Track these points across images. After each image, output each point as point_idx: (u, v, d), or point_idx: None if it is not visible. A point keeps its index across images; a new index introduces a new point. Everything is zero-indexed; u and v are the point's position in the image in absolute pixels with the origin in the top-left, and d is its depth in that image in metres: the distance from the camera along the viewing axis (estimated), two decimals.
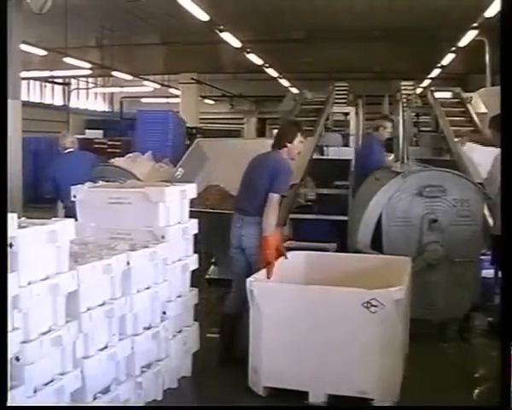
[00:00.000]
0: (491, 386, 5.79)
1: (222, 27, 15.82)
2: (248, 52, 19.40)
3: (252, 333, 5.17)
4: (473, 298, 6.89)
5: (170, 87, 27.48)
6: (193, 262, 5.75)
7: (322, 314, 4.99)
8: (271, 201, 5.73)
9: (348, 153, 10.50)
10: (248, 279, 5.18)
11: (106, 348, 4.51)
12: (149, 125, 16.36)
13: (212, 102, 31.93)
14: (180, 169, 8.80)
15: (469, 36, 16.16)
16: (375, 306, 4.80)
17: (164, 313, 5.26)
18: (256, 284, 5.15)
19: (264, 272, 5.54)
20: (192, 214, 5.79)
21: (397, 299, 4.85)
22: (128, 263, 4.67)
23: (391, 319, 4.86)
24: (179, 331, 5.54)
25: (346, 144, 10.67)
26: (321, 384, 5.00)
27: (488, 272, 7.96)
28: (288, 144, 6.03)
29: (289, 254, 5.98)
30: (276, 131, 6.91)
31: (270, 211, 5.71)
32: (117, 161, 11.35)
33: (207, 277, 8.66)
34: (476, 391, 5.66)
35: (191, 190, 5.78)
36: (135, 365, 4.84)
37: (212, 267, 8.79)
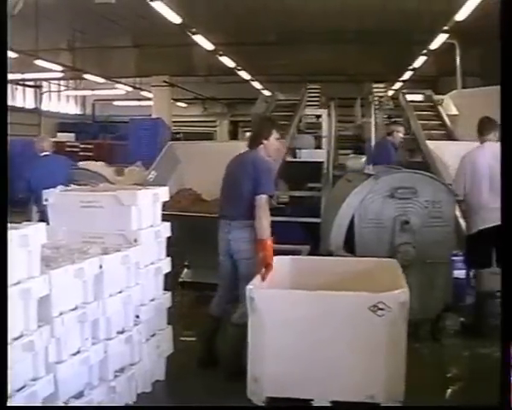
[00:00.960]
0: (463, 385, 5.85)
1: (194, 30, 15.81)
2: (221, 55, 19.40)
3: (251, 341, 4.98)
4: (445, 299, 6.94)
5: (142, 90, 27.40)
6: (166, 265, 5.72)
7: (328, 320, 4.90)
8: (260, 203, 5.59)
9: (321, 155, 10.56)
10: (248, 287, 5.02)
11: (79, 352, 4.48)
12: (140, 132, 16.49)
13: (184, 104, 31.89)
14: (153, 172, 8.77)
15: (440, 39, 16.32)
16: (382, 309, 4.78)
17: (137, 316, 5.24)
18: (257, 291, 5.02)
19: (259, 277, 5.40)
20: (164, 217, 5.77)
21: (402, 301, 4.85)
22: (100, 267, 4.65)
23: (397, 322, 4.83)
24: (152, 335, 5.51)
25: (319, 146, 10.73)
26: (326, 391, 4.91)
27: (460, 273, 8.04)
28: (264, 141, 5.92)
29: (274, 258, 5.90)
30: (249, 132, 6.85)
31: (261, 214, 5.57)
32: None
33: (180, 280, 8.64)
34: (449, 391, 5.71)
35: (163, 194, 5.76)
36: (108, 369, 4.82)
37: (186, 270, 8.77)
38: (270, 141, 5.96)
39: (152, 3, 12.65)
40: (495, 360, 6.46)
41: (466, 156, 7.16)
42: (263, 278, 5.42)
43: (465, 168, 7.10)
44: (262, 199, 5.60)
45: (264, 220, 5.58)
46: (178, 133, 22.79)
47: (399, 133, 9.71)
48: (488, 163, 6.92)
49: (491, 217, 6.80)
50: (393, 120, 10.57)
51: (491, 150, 6.87)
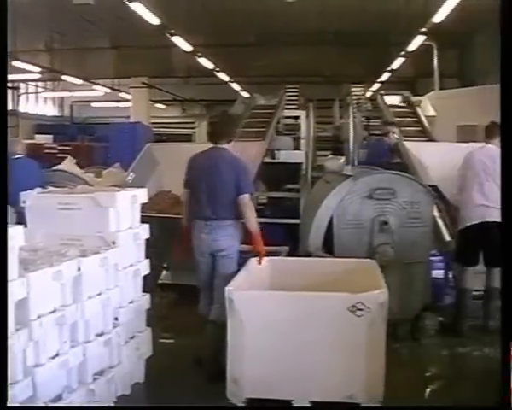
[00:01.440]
0: (442, 385, 5.89)
1: (173, 31, 15.76)
2: (199, 56, 19.36)
3: (231, 343, 5.00)
4: (424, 298, 6.98)
5: (120, 91, 27.28)
6: (144, 267, 5.71)
7: (307, 320, 4.91)
8: (245, 202, 5.71)
9: (299, 156, 10.58)
10: (227, 288, 5.03)
11: (57, 355, 4.45)
12: (122, 135, 16.48)
13: (163, 106, 31.79)
14: (131, 174, 8.74)
15: (418, 40, 16.40)
16: (361, 309, 4.80)
17: (116, 319, 5.22)
18: (236, 292, 5.02)
19: (240, 279, 5.42)
20: (143, 219, 5.75)
21: (381, 302, 4.86)
22: (79, 269, 4.63)
23: (376, 322, 4.85)
24: (132, 337, 5.50)
25: (297, 148, 10.75)
26: (306, 392, 4.93)
27: (438, 273, 8.10)
28: (233, 139, 6.07)
29: (253, 259, 5.90)
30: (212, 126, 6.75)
31: (248, 212, 5.74)
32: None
33: (159, 282, 8.61)
34: (428, 390, 5.74)
35: (142, 195, 5.75)
36: (87, 372, 4.80)
37: (165, 272, 8.75)
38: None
39: (130, 4, 12.59)
40: (474, 359, 6.54)
41: (466, 155, 7.29)
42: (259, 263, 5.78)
43: (462, 166, 7.26)
44: (246, 198, 5.73)
45: (252, 216, 5.77)
46: (163, 135, 22.74)
47: (395, 134, 9.77)
48: (483, 163, 7.06)
49: (476, 214, 6.94)
50: (391, 121, 10.64)
51: (490, 152, 7.04)
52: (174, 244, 5.96)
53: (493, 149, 7.01)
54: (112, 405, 5.03)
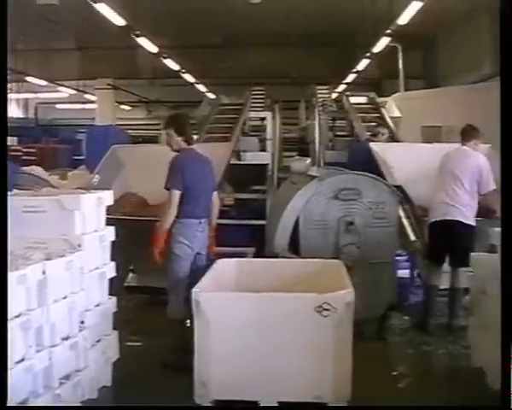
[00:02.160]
0: (409, 383, 5.94)
1: (138, 32, 15.69)
2: (165, 57, 19.30)
3: (198, 345, 4.97)
4: (389, 298, 7.04)
5: (85, 93, 27.10)
6: (110, 270, 5.67)
7: (274, 321, 4.91)
8: (216, 201, 6.32)
9: (265, 157, 10.59)
10: (193, 290, 5.00)
11: (22, 360, 4.40)
12: (96, 139, 16.41)
13: (128, 107, 31.62)
14: (97, 176, 8.67)
15: (383, 42, 16.54)
16: (328, 310, 4.81)
17: (82, 322, 5.18)
18: (203, 294, 4.99)
19: (207, 280, 5.38)
20: (109, 222, 5.72)
21: (347, 302, 4.89)
22: (44, 273, 4.58)
23: (342, 322, 4.87)
24: (98, 341, 5.46)
25: (264, 149, 10.76)
26: (274, 393, 4.92)
27: (404, 273, 8.18)
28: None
29: (220, 261, 5.92)
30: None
31: (216, 210, 6.35)
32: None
33: (126, 284, 8.56)
34: (395, 389, 5.78)
35: (108, 197, 5.71)
36: (53, 376, 4.75)
37: (131, 275, 8.70)
38: None
39: (95, 5, 12.51)
40: (439, 357, 6.61)
41: (443, 156, 7.45)
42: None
43: (439, 166, 7.40)
44: (216, 196, 6.27)
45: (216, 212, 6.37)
46: (139, 137, 22.60)
47: (384, 135, 9.79)
48: (455, 164, 7.21)
49: (439, 212, 7.09)
50: (380, 123, 10.70)
51: (464, 154, 7.23)
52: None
53: (467, 151, 7.23)
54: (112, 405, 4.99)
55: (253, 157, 10.42)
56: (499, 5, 3.99)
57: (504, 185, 3.92)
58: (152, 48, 17.48)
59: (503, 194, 3.94)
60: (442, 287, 7.38)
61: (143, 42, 16.64)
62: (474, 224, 7.02)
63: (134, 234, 7.11)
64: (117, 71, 24.58)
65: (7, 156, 3.76)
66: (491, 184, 7.04)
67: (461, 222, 6.99)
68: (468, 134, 7.31)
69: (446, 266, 7.30)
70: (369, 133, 10.21)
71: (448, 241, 7.08)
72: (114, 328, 5.75)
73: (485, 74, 16.30)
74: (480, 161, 7.11)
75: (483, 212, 7.11)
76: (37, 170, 12.43)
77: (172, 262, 5.99)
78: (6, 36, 3.91)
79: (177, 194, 5.91)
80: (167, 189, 5.94)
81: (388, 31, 15.26)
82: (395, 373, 6.15)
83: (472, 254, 6.04)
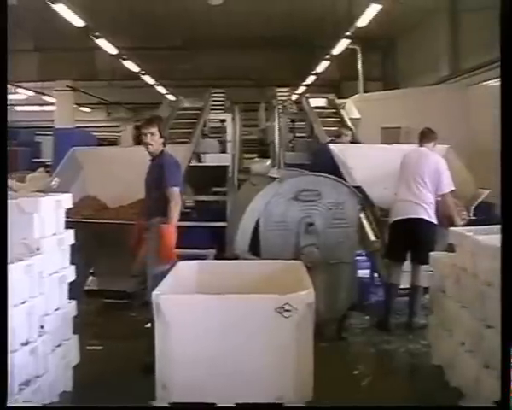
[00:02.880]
0: (370, 382, 5.99)
1: (97, 34, 15.58)
2: (124, 59, 19.19)
3: (158, 347, 4.91)
4: (350, 298, 7.08)
5: (44, 95, 26.81)
6: (70, 274, 5.63)
7: (235, 323, 4.89)
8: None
9: (225, 159, 10.60)
10: (153, 292, 4.95)
11: None
12: (63, 142, 16.29)
13: (88, 109, 31.36)
14: (55, 179, 8.58)
15: (343, 44, 16.66)
16: (288, 310, 4.81)
17: (41, 327, 5.11)
18: (163, 296, 4.94)
19: (167, 283, 5.33)
20: (68, 225, 5.67)
21: (308, 302, 4.90)
22: None
23: (303, 323, 4.88)
24: (58, 345, 5.40)
25: (224, 151, 10.77)
26: (235, 394, 4.88)
27: (364, 273, 8.24)
28: None
29: (181, 263, 5.90)
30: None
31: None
32: None
33: (86, 288, 8.49)
34: (356, 388, 5.83)
35: (67, 200, 5.66)
36: (13, 382, 4.70)
37: (91, 278, 8.63)
38: None
39: (54, 6, 12.38)
40: (399, 355, 6.68)
41: (403, 156, 7.58)
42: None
43: (400, 167, 7.52)
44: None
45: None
46: (101, 139, 22.40)
47: (347, 136, 9.83)
48: (414, 164, 7.37)
49: (402, 210, 7.20)
50: (344, 124, 10.76)
51: (422, 154, 7.40)
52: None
53: (425, 152, 7.41)
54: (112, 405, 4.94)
55: (213, 159, 10.41)
56: (499, 5, 4.01)
57: (504, 185, 3.96)
58: (111, 49, 17.39)
59: (503, 194, 3.98)
60: (402, 286, 7.47)
61: (103, 43, 16.54)
62: (436, 222, 7.14)
63: (94, 237, 7.06)
64: (76, 72, 24.36)
65: (7, 157, 3.70)
66: (450, 184, 7.18)
67: (424, 220, 7.12)
68: (426, 136, 7.48)
69: (407, 266, 7.39)
70: (332, 136, 10.23)
71: (411, 239, 7.18)
72: (74, 332, 5.70)
73: (443, 76, 16.54)
74: (438, 161, 7.27)
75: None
76: None
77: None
78: (6, 36, 3.87)
79: (179, 194, 6.15)
80: (172, 186, 6.08)
81: (348, 33, 15.40)
82: (356, 372, 6.20)
83: (431, 253, 6.12)
